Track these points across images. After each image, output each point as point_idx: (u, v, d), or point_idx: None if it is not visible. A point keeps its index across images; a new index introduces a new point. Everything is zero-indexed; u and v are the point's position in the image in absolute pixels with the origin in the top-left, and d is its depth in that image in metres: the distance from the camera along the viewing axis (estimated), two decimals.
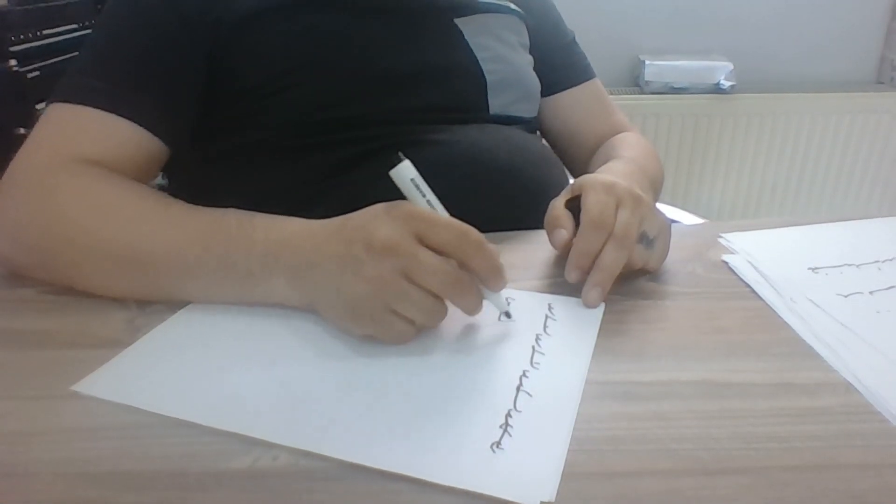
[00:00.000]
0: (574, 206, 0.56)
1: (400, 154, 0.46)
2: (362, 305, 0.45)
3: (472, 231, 0.45)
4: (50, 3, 1.36)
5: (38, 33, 1.31)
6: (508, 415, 0.40)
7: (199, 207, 0.54)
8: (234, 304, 0.51)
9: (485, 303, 0.48)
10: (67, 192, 0.54)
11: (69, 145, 0.58)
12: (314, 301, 0.49)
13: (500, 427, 0.39)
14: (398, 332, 0.46)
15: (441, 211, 0.47)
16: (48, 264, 0.55)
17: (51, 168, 0.56)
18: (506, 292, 0.54)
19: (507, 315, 0.50)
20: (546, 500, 0.34)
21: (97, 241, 0.52)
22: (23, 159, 0.58)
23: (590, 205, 0.53)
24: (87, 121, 0.59)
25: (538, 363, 0.45)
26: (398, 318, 0.45)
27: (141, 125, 0.61)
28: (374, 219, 0.46)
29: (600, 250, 0.52)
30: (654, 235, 0.55)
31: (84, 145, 0.58)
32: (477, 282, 0.47)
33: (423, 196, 0.47)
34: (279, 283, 0.49)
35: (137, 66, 0.63)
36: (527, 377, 0.44)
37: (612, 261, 0.52)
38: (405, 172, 0.46)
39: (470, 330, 0.49)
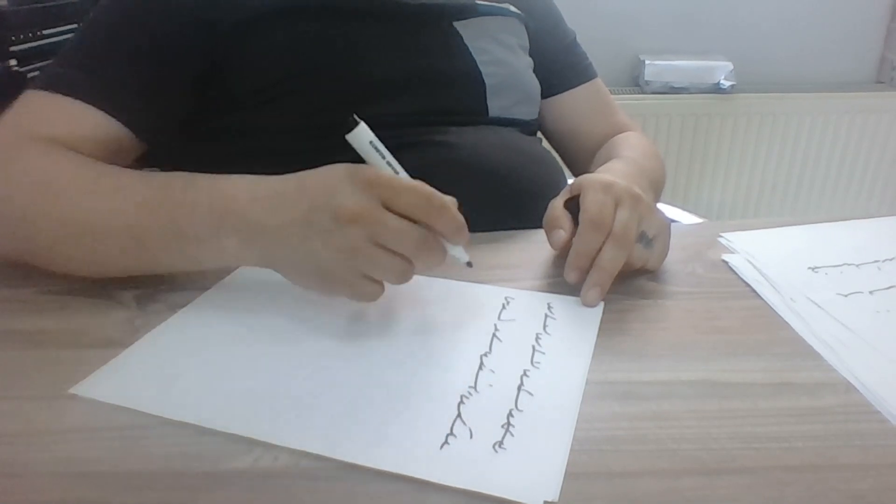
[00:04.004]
0: (573, 206, 0.56)
1: (355, 117, 0.46)
2: (334, 272, 0.46)
3: (436, 194, 0.46)
4: (50, 3, 1.36)
5: (39, 33, 1.30)
6: (510, 414, 0.40)
7: (147, 175, 0.54)
8: (188, 270, 0.52)
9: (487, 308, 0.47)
10: (20, 166, 0.55)
11: (32, 125, 0.58)
12: (273, 263, 0.49)
13: (503, 426, 0.39)
14: (369, 293, 0.47)
15: (402, 173, 0.48)
16: (6, 237, 0.55)
17: (7, 144, 0.57)
18: (505, 291, 0.54)
19: (469, 264, 0.51)
20: (549, 499, 0.34)
21: (50, 214, 0.53)
22: None
23: (588, 204, 0.53)
24: (56, 106, 0.60)
25: (539, 362, 0.45)
26: (368, 280, 0.46)
27: (109, 114, 0.61)
28: (338, 186, 0.45)
29: (599, 250, 0.52)
30: (654, 235, 0.55)
31: (48, 126, 0.59)
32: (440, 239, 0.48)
33: (384, 158, 0.47)
34: (230, 244, 0.49)
35: (119, 62, 0.63)
36: (528, 376, 0.44)
37: (611, 260, 0.52)
38: (363, 136, 0.46)
39: (471, 329, 0.49)
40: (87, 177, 0.54)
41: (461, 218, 0.47)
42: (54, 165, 0.55)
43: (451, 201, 0.47)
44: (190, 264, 0.52)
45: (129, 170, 0.55)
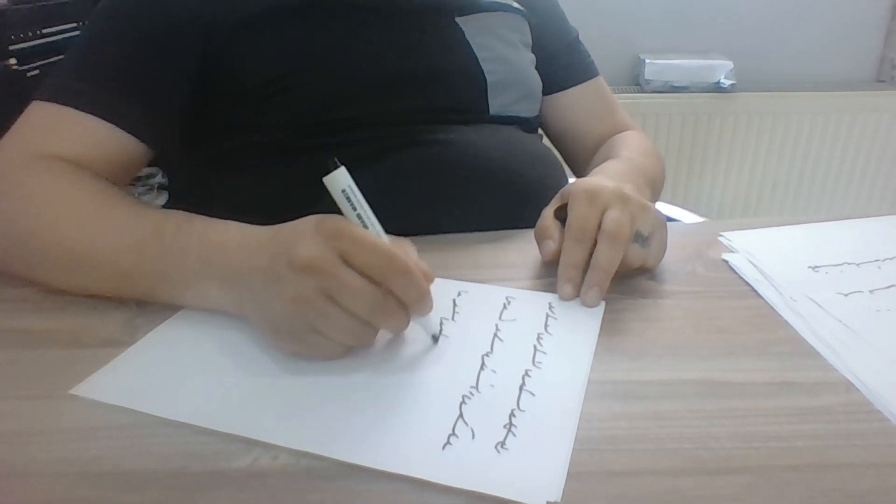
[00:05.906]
0: (563, 215, 0.56)
1: (335, 160, 0.43)
2: (284, 324, 0.44)
3: (399, 257, 0.42)
4: (50, 2, 1.36)
5: (38, 32, 1.31)
6: (512, 414, 0.40)
7: (144, 210, 0.54)
8: (173, 305, 0.51)
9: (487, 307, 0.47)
10: (29, 188, 0.55)
11: (42, 142, 0.59)
12: (243, 310, 0.48)
13: (505, 427, 0.39)
14: (323, 351, 0.44)
15: (373, 225, 0.45)
16: (7, 257, 0.56)
17: (18, 164, 0.57)
18: (506, 291, 0.54)
19: (434, 339, 0.47)
20: (552, 500, 0.34)
21: (48, 238, 0.53)
22: None
23: (571, 219, 0.54)
24: (65, 121, 0.60)
25: (540, 362, 0.45)
26: (322, 337, 0.43)
27: (119, 126, 0.61)
28: (300, 234, 0.43)
29: (586, 260, 0.52)
30: (649, 233, 0.55)
31: (58, 143, 0.59)
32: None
33: (354, 210, 0.44)
34: (212, 289, 0.49)
35: (120, 68, 0.63)
36: (529, 376, 0.44)
37: (607, 258, 0.52)
38: (338, 182, 0.43)
39: (472, 329, 0.49)
40: (85, 207, 0.54)
41: (425, 286, 0.44)
42: (58, 192, 0.55)
43: (419, 267, 0.44)
44: (174, 303, 0.52)
45: (128, 202, 0.55)
